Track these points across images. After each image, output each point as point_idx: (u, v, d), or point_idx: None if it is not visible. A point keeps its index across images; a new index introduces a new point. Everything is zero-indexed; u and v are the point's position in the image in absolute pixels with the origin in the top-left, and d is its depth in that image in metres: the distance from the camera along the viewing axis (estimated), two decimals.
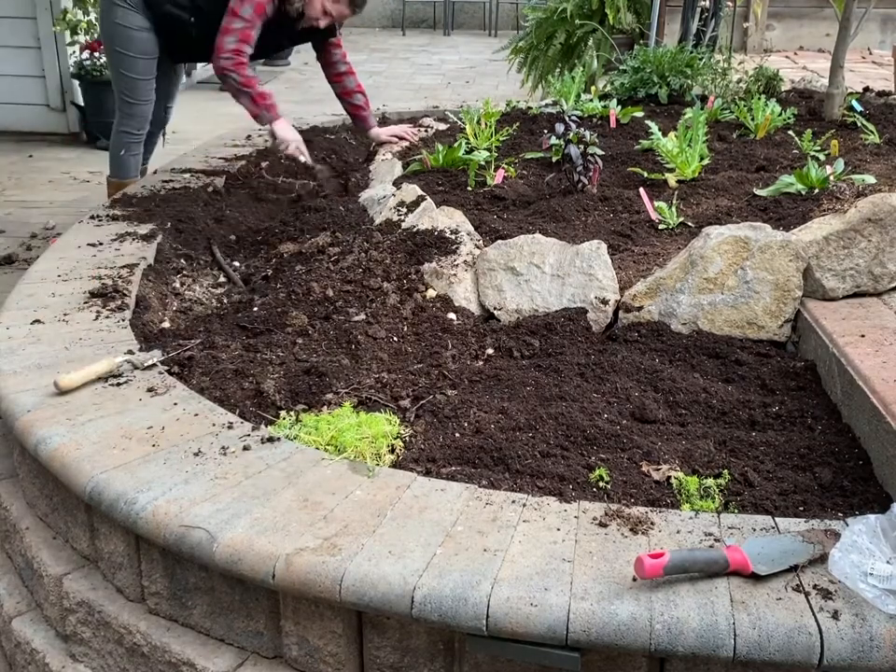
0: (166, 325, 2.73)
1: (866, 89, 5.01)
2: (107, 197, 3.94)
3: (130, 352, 2.41)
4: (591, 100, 4.68)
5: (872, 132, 3.74)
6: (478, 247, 2.91)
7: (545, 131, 3.82)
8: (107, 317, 2.63)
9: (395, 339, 2.56)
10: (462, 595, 1.54)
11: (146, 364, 2.35)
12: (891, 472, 1.95)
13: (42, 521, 2.22)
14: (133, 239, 3.27)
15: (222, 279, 3.18)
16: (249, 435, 2.04)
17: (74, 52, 5.80)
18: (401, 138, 4.21)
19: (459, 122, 4.28)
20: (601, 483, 1.90)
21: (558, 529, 1.69)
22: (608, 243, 2.86)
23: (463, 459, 2.00)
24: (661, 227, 3.07)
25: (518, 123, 4.25)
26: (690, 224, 3.07)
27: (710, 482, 1.91)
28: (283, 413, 2.15)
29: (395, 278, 2.80)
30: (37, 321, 2.60)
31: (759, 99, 4.20)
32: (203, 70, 8.21)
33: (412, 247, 2.90)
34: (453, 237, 2.92)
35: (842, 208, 2.74)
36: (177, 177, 4.08)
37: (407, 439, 2.07)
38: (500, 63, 7.64)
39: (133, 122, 4.01)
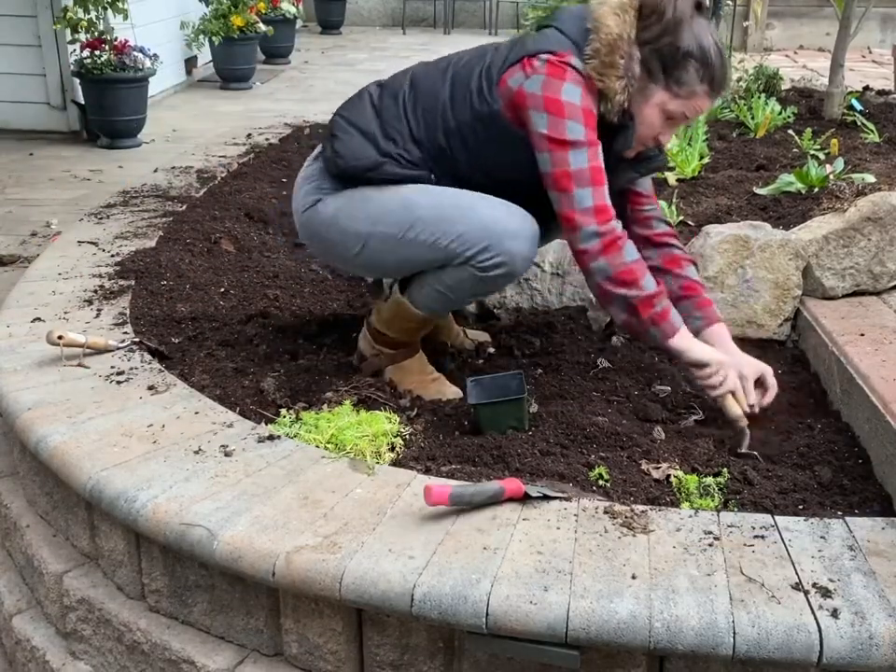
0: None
1: (866, 87, 5.01)
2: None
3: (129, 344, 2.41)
4: None
5: (872, 130, 3.74)
6: None
7: None
8: (108, 315, 2.63)
9: None
10: (462, 593, 1.54)
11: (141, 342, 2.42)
12: (891, 471, 1.95)
13: (42, 519, 2.22)
14: (134, 236, 3.28)
15: None
16: (250, 433, 2.04)
17: (74, 50, 5.79)
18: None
19: None
20: (601, 482, 1.91)
21: (558, 528, 1.70)
22: None
23: (463, 457, 2.00)
24: None
25: None
26: (690, 223, 3.07)
27: (710, 480, 1.92)
28: (283, 411, 2.15)
29: None
30: (38, 319, 2.60)
31: (759, 98, 4.20)
32: (204, 69, 8.20)
33: None
34: None
35: (842, 207, 2.74)
36: (179, 176, 4.09)
37: (407, 437, 2.07)
38: None
39: None
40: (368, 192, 2.18)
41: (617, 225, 2.08)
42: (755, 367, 2.21)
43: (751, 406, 2.17)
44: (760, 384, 2.21)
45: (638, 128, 2.14)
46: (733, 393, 2.14)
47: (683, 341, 2.13)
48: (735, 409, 2.14)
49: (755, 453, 2.07)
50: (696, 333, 2.24)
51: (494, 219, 2.10)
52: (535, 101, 2.04)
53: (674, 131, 2.22)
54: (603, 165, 2.08)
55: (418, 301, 2.23)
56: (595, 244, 2.05)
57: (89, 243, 3.22)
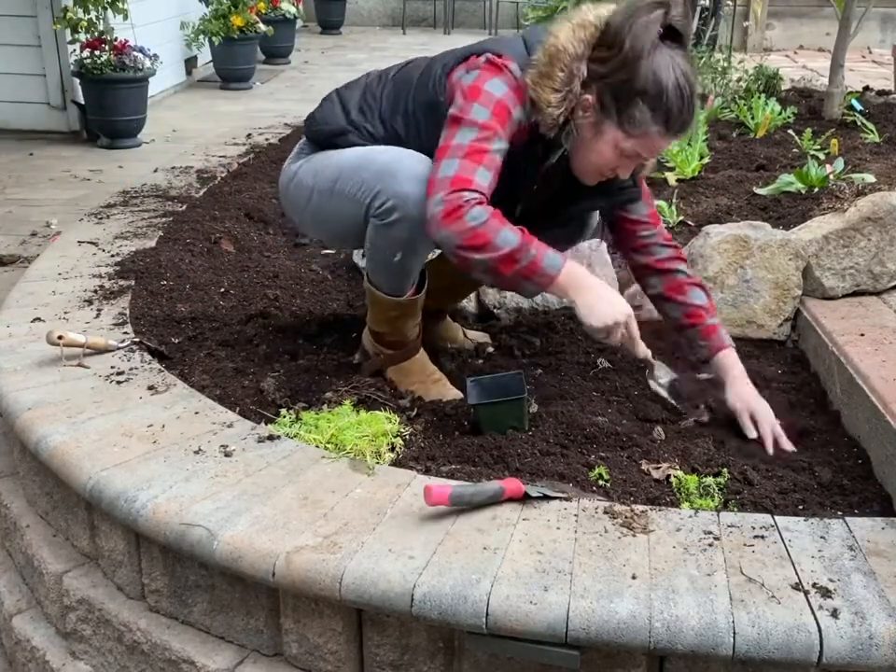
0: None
1: (866, 87, 5.01)
2: None
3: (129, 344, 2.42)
4: None
5: (871, 130, 3.75)
6: None
7: None
8: (108, 315, 2.63)
9: None
10: (462, 593, 1.54)
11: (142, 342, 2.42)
12: (891, 471, 1.95)
13: (42, 519, 2.22)
14: (134, 236, 3.28)
15: None
16: (250, 433, 2.04)
17: (74, 50, 5.79)
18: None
19: None
20: (601, 482, 1.91)
21: (558, 528, 1.70)
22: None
23: (463, 457, 2.00)
24: None
25: None
26: (690, 223, 3.07)
27: (710, 480, 1.91)
28: (283, 411, 2.15)
29: None
30: (38, 319, 2.60)
31: (759, 98, 4.20)
32: (204, 69, 8.19)
33: None
34: None
35: (842, 207, 2.74)
36: (179, 176, 4.09)
37: (407, 437, 2.07)
38: None
39: None
40: (329, 152, 2.23)
41: (470, 195, 1.94)
42: (746, 404, 2.17)
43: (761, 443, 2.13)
44: (754, 421, 2.16)
45: (592, 158, 2.08)
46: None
47: (561, 287, 1.99)
48: (640, 350, 2.11)
49: (665, 395, 2.14)
50: (704, 362, 2.26)
51: (387, 162, 2.08)
52: (459, 89, 2.04)
53: (633, 165, 2.11)
54: (493, 155, 1.99)
55: (371, 279, 2.24)
56: (437, 212, 1.95)
57: (89, 243, 3.22)
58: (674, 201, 3.17)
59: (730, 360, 2.24)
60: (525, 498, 1.76)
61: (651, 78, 1.96)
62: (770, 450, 2.11)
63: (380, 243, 2.13)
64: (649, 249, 2.30)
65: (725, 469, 1.95)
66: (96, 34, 5.71)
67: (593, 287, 2.02)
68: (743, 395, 2.19)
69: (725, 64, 4.89)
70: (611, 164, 2.08)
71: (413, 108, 2.16)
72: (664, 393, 2.17)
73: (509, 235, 1.96)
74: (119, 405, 2.15)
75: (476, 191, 1.96)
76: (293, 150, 2.38)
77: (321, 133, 2.26)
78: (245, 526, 1.71)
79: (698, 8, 5.70)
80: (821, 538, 1.67)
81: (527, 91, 2.02)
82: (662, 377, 2.21)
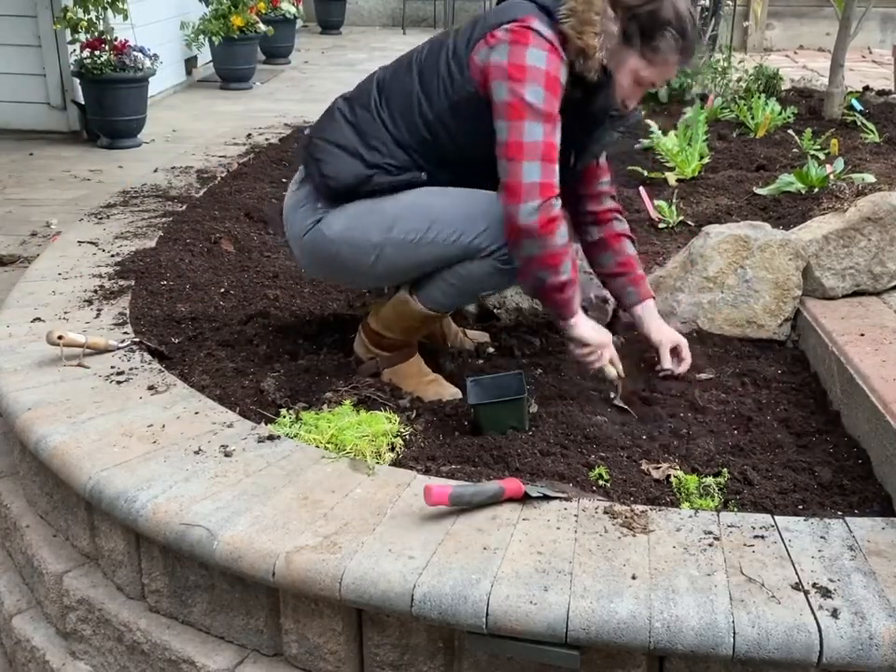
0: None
1: (866, 87, 5.01)
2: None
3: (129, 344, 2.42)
4: None
5: (871, 130, 3.75)
6: None
7: None
8: (108, 315, 2.63)
9: None
10: (462, 593, 1.54)
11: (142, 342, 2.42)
12: (891, 471, 1.95)
13: (42, 519, 2.22)
14: (134, 236, 3.28)
15: None
16: (250, 433, 2.04)
17: (74, 50, 5.78)
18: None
19: None
20: (601, 482, 1.91)
21: (558, 528, 1.70)
22: None
23: (463, 458, 2.00)
24: (661, 226, 3.07)
25: None
26: (690, 223, 3.07)
27: (710, 480, 1.92)
28: (283, 411, 2.15)
29: None
30: (38, 319, 2.60)
31: (759, 98, 4.20)
32: (204, 69, 8.19)
33: None
34: None
35: (842, 207, 2.74)
36: (179, 176, 4.09)
37: (407, 437, 2.07)
38: None
39: None
40: (373, 203, 2.18)
41: (557, 203, 2.04)
42: (671, 338, 2.40)
43: (667, 371, 2.38)
44: (676, 353, 2.39)
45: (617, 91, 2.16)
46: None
47: (574, 325, 2.19)
48: (612, 371, 2.29)
49: (627, 408, 2.28)
50: (630, 307, 2.44)
51: None
52: (499, 71, 2.02)
53: (641, 95, 2.22)
54: (558, 144, 2.05)
55: (429, 298, 2.22)
56: (533, 220, 2.01)
57: (89, 243, 3.22)
58: (674, 201, 3.17)
59: (653, 310, 2.44)
60: (524, 498, 1.76)
61: (674, 10, 2.09)
62: (677, 369, 2.38)
63: (487, 282, 2.20)
64: (600, 199, 2.43)
65: (725, 469, 1.95)
66: (96, 34, 5.71)
67: (589, 320, 2.25)
68: (665, 331, 2.42)
69: (725, 64, 4.90)
70: (625, 94, 2.17)
71: (436, 114, 2.13)
72: (623, 405, 2.31)
73: (568, 265, 2.11)
74: (119, 405, 2.15)
75: (558, 197, 2.06)
76: (297, 208, 2.29)
77: (345, 189, 2.18)
78: (245, 526, 1.71)
79: (698, 8, 5.70)
80: (821, 538, 1.67)
81: (570, 41, 2.04)
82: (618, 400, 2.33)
